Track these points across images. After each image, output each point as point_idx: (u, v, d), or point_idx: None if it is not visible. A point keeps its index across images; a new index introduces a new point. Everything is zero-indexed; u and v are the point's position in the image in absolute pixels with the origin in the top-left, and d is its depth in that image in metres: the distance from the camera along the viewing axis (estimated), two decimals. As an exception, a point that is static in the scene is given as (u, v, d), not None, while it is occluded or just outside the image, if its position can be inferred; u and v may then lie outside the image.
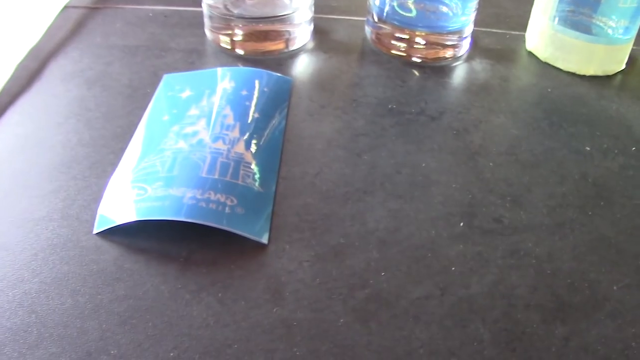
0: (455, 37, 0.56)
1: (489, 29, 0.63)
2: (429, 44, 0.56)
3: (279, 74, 0.52)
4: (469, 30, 0.57)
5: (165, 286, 0.36)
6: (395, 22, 0.55)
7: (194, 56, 0.54)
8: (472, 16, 0.56)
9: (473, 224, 0.40)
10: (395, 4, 0.54)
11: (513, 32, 0.63)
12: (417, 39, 0.56)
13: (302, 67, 0.54)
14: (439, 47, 0.56)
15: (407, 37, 0.55)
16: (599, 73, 0.57)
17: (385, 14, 0.55)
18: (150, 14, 0.60)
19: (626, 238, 0.41)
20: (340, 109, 0.49)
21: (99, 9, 0.61)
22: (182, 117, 0.45)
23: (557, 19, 0.55)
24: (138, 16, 0.60)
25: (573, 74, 0.57)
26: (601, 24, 0.54)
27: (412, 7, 0.53)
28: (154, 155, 0.42)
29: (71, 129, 0.45)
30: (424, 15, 0.54)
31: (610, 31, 0.54)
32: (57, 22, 0.58)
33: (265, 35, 0.54)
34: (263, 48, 0.54)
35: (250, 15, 0.53)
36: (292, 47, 0.56)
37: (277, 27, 0.55)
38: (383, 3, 0.54)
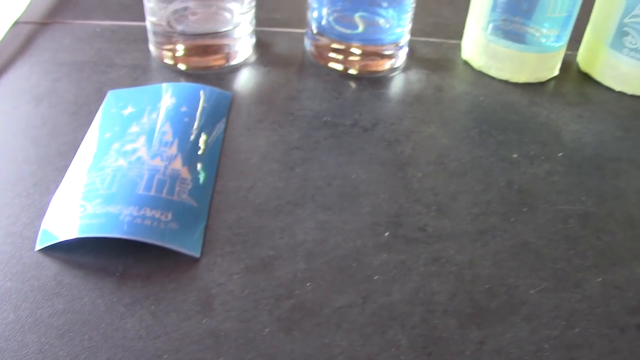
0: (391, 49, 0.58)
1: (427, 39, 0.65)
2: (365, 56, 0.58)
3: (219, 89, 0.53)
4: (405, 41, 0.59)
5: (101, 300, 0.37)
6: (332, 35, 0.56)
7: (139, 72, 0.55)
8: (408, 27, 0.57)
9: (398, 234, 0.42)
10: (331, 18, 0.55)
11: (450, 41, 0.64)
12: (354, 52, 0.57)
13: (243, 81, 0.55)
14: (375, 58, 0.58)
15: (343, 49, 0.57)
16: (532, 80, 0.59)
17: (322, 27, 0.57)
18: (98, 30, 0.62)
19: (546, 243, 0.43)
20: (277, 122, 0.50)
21: (49, 25, 0.62)
22: (123, 135, 0.47)
23: (489, 29, 0.57)
24: (86, 31, 0.61)
25: (506, 82, 0.59)
26: (533, 33, 0.56)
27: (349, 21, 0.55)
28: (95, 173, 0.43)
29: (18, 146, 0.47)
30: (361, 30, 0.55)
31: (542, 39, 0.56)
32: (7, 39, 0.59)
33: (207, 50, 0.56)
34: (205, 63, 0.56)
35: (193, 31, 0.55)
36: (234, 62, 0.57)
37: (218, 42, 0.56)
38: (320, 16, 0.56)
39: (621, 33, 0.57)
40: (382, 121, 0.51)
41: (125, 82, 0.54)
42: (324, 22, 0.56)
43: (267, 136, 0.49)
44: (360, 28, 0.55)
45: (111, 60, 0.57)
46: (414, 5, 0.56)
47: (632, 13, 0.56)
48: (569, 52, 0.62)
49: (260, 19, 0.64)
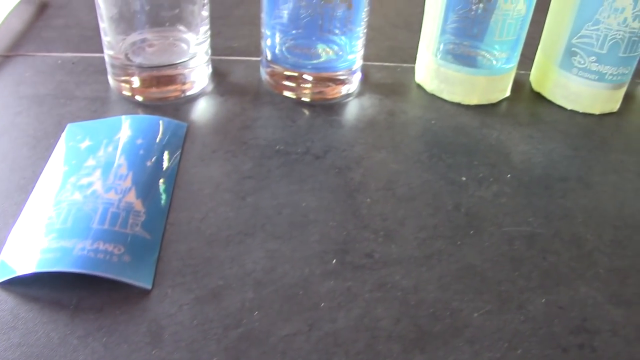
0: (344, 75, 0.59)
1: (381, 63, 0.66)
2: (318, 84, 0.59)
3: (175, 120, 0.54)
4: (357, 67, 0.60)
5: (55, 333, 0.38)
6: (285, 64, 0.58)
7: (97, 104, 0.56)
8: (360, 53, 0.59)
9: (345, 261, 0.43)
10: (284, 47, 0.56)
11: (405, 65, 0.66)
12: (306, 79, 0.58)
13: (199, 111, 0.56)
14: (328, 85, 0.59)
15: (296, 77, 0.58)
16: (484, 102, 0.60)
17: (275, 56, 0.58)
18: (59, 62, 0.63)
19: (491, 265, 0.44)
20: (231, 152, 0.51)
21: (11, 57, 0.63)
22: (79, 168, 0.48)
23: (439, 53, 0.58)
24: (47, 64, 0.62)
25: (458, 104, 0.60)
26: (483, 56, 0.57)
27: (302, 50, 0.56)
28: (52, 207, 0.44)
29: (-23, 181, 0.47)
30: (314, 59, 0.56)
31: (492, 62, 0.57)
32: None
33: (164, 82, 0.57)
34: (161, 94, 0.57)
35: (150, 63, 0.56)
36: (190, 92, 0.58)
37: (175, 72, 0.57)
38: (273, 45, 0.57)
39: (570, 53, 0.59)
40: (333, 148, 0.52)
41: (84, 115, 0.55)
42: (277, 50, 0.57)
43: (220, 166, 0.50)
44: (323, 57, 0.56)
45: (71, 93, 0.58)
46: (365, 31, 0.57)
47: (580, 33, 0.57)
48: (522, 72, 0.64)
49: (218, 48, 0.65)
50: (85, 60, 0.63)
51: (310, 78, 0.58)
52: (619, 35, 0.56)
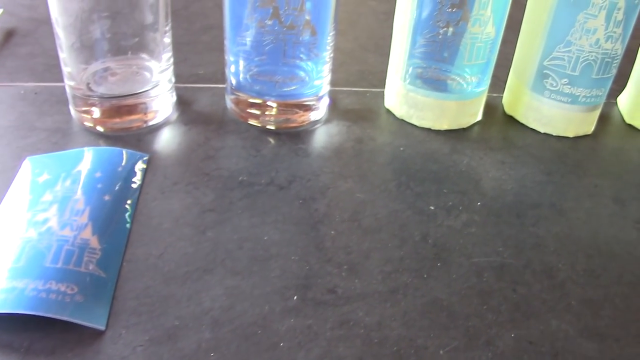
0: (310, 102, 0.58)
1: (350, 88, 0.65)
2: (283, 112, 0.58)
3: (136, 152, 0.53)
4: (324, 93, 0.59)
5: (5, 378, 0.35)
6: (250, 92, 0.56)
7: (58, 135, 0.54)
8: (327, 79, 0.57)
9: (307, 297, 0.41)
10: (248, 75, 0.55)
11: (374, 90, 0.64)
12: (271, 107, 0.57)
13: (161, 142, 0.55)
14: (295, 113, 0.58)
15: (261, 104, 0.57)
16: (454, 127, 0.59)
17: (240, 83, 0.57)
18: (22, 92, 0.61)
19: (459, 299, 0.42)
20: (192, 184, 0.50)
21: (-27, 89, 0.62)
22: (35, 204, 0.46)
23: (408, 78, 0.57)
24: (10, 94, 0.61)
25: (428, 130, 0.59)
26: (453, 80, 0.56)
27: (266, 78, 0.55)
28: (6, 245, 0.43)
29: None
30: (278, 85, 0.55)
31: (463, 86, 0.56)
32: None
33: (126, 111, 0.55)
34: (124, 124, 0.55)
35: (111, 92, 0.54)
36: (153, 122, 0.57)
37: (137, 102, 0.56)
38: (237, 72, 0.55)
39: (542, 75, 0.57)
40: (298, 178, 0.51)
41: (44, 147, 0.53)
42: (241, 77, 0.55)
43: (181, 199, 0.48)
44: (294, 86, 0.55)
45: (32, 124, 0.56)
46: (332, 55, 0.56)
47: (551, 55, 0.56)
48: (495, 95, 0.63)
49: (184, 75, 0.64)
50: (48, 89, 0.61)
51: (275, 105, 0.56)
52: (592, 56, 0.55)
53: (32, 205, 0.47)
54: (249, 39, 0.53)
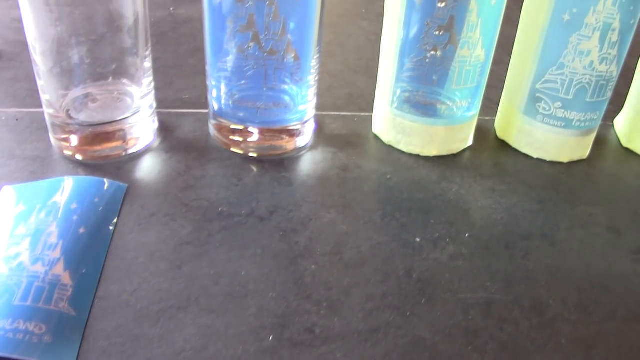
0: (294, 128, 0.56)
1: (338, 113, 0.63)
2: (266, 138, 0.56)
3: (114, 182, 0.51)
4: (310, 117, 0.57)
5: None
6: (231, 118, 0.55)
7: (37, 164, 0.53)
8: (313, 104, 0.56)
9: (283, 337, 0.40)
10: (230, 101, 0.53)
11: (362, 114, 0.63)
12: (254, 133, 0.56)
13: (141, 170, 0.53)
14: (279, 139, 0.57)
15: (244, 131, 0.56)
16: (444, 153, 0.57)
17: (221, 109, 0.55)
18: (3, 118, 0.60)
19: (443, 338, 0.40)
20: (170, 215, 0.48)
21: (-47, 115, 0.60)
22: (8, 237, 0.45)
23: (395, 102, 0.55)
24: (-9, 120, 0.59)
25: (417, 156, 0.57)
26: (441, 105, 0.54)
27: (248, 104, 0.53)
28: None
29: None
30: (260, 111, 0.53)
31: (452, 111, 0.54)
32: None
33: (105, 139, 0.54)
34: (103, 153, 0.54)
35: (91, 120, 0.53)
36: (134, 149, 0.55)
37: (117, 129, 0.54)
38: (219, 98, 0.54)
39: (534, 99, 0.56)
40: (280, 208, 0.49)
41: (22, 176, 0.52)
42: (223, 103, 0.54)
43: (158, 231, 0.46)
44: (277, 112, 0.53)
45: (12, 152, 0.55)
46: (317, 79, 0.54)
47: (544, 78, 0.55)
48: (487, 118, 0.61)
49: (168, 100, 0.62)
50: (29, 116, 0.60)
51: (257, 132, 0.54)
52: (586, 79, 0.53)
53: (6, 239, 0.46)
54: (229, 65, 0.51)
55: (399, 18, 0.52)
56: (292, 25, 0.49)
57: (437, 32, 0.51)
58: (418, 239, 0.48)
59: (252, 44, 0.49)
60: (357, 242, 0.47)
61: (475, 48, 0.52)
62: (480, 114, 0.58)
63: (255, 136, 0.55)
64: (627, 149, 0.62)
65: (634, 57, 0.56)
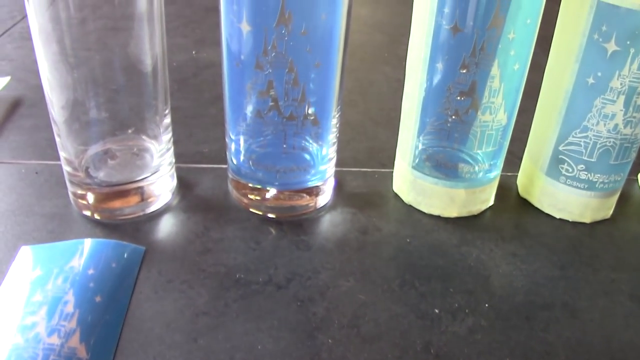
0: (314, 189, 0.56)
1: (358, 169, 0.62)
2: (285, 199, 0.56)
3: (132, 245, 0.51)
4: (330, 175, 0.57)
5: None
6: (250, 179, 0.55)
7: (55, 222, 0.53)
8: (333, 162, 0.56)
9: (298, 418, 0.39)
10: (249, 162, 0.53)
11: (383, 170, 0.62)
12: (272, 194, 0.56)
13: (159, 232, 0.53)
14: (297, 199, 0.56)
15: (262, 191, 0.56)
16: (464, 214, 0.56)
17: (239, 170, 0.55)
18: (23, 171, 0.60)
19: (460, 419, 0.39)
20: (187, 282, 0.48)
21: (-24, 165, 0.60)
22: (25, 304, 0.45)
23: (415, 164, 0.55)
24: (10, 173, 0.60)
25: (437, 217, 0.56)
26: (462, 168, 0.54)
27: (266, 166, 0.54)
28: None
29: None
30: (279, 174, 0.53)
31: (474, 173, 0.54)
32: None
33: (124, 198, 0.53)
34: (121, 212, 0.53)
35: (110, 179, 0.53)
36: (153, 208, 0.55)
37: (136, 188, 0.55)
38: (238, 157, 0.53)
39: (557, 160, 0.55)
40: (297, 276, 0.49)
41: (40, 236, 0.52)
42: (242, 163, 0.54)
43: (175, 299, 0.46)
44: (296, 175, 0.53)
45: (30, 209, 0.55)
46: (337, 136, 0.54)
47: (567, 140, 0.54)
48: (509, 174, 0.60)
49: (187, 154, 0.62)
50: (49, 168, 0.60)
51: (276, 193, 0.55)
52: (610, 142, 0.52)
53: (23, 306, 0.46)
54: (248, 128, 0.51)
55: (420, 81, 0.51)
56: (311, 91, 0.49)
57: (458, 97, 0.50)
58: (437, 310, 0.47)
59: (270, 110, 0.49)
60: (375, 313, 0.46)
61: (497, 112, 0.51)
62: (503, 169, 0.58)
63: (274, 196, 0.55)
64: (651, 206, 0.61)
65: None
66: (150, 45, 0.50)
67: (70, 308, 0.45)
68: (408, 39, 0.52)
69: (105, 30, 0.47)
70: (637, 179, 0.65)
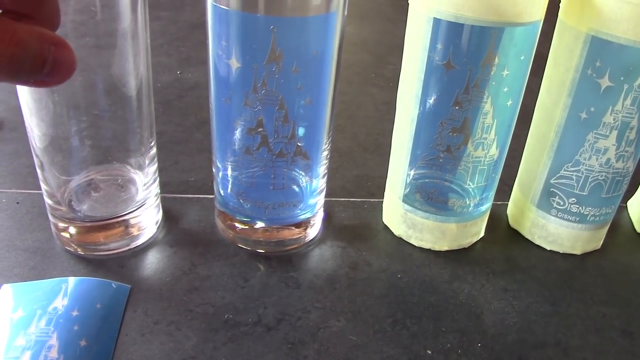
0: (302, 223, 0.55)
1: (347, 199, 0.61)
2: (273, 232, 0.55)
3: (117, 283, 0.50)
4: (319, 208, 0.56)
5: None
6: (238, 214, 0.54)
7: (37, 258, 0.51)
8: (322, 195, 0.55)
9: None
10: (236, 197, 0.52)
11: (372, 200, 0.61)
12: (260, 228, 0.55)
13: (145, 268, 0.51)
14: (285, 231, 0.55)
15: (250, 226, 0.55)
16: (455, 247, 0.56)
17: (227, 204, 0.54)
18: (4, 200, 0.58)
19: None
20: (174, 324, 0.46)
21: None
22: (8, 348, 0.44)
23: (405, 198, 0.54)
24: (-9, 202, 0.58)
25: (428, 251, 0.55)
26: (453, 202, 0.53)
27: (255, 202, 0.53)
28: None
29: None
30: (268, 210, 0.52)
31: (464, 207, 0.54)
32: None
33: (107, 231, 0.52)
34: (105, 247, 0.52)
35: (94, 214, 0.51)
36: (137, 242, 0.53)
37: (120, 221, 0.53)
38: (226, 191, 0.52)
39: (548, 193, 0.54)
40: (287, 315, 0.48)
41: (22, 272, 0.50)
42: (229, 197, 0.53)
43: (161, 343, 0.45)
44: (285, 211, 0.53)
45: (12, 242, 0.53)
46: (327, 168, 0.54)
47: (559, 174, 0.53)
48: (499, 203, 0.59)
49: (173, 183, 0.61)
50: (30, 198, 0.58)
51: (266, 229, 0.54)
52: (601, 176, 0.52)
53: (5, 350, 0.44)
54: (236, 164, 0.50)
55: (412, 116, 0.50)
56: (301, 128, 0.48)
57: (450, 133, 0.49)
58: (429, 351, 0.46)
59: (260, 147, 0.48)
60: (366, 355, 0.46)
61: (489, 148, 0.50)
62: (492, 199, 0.57)
63: (262, 230, 0.54)
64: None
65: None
66: (135, 66, 0.49)
67: (54, 353, 0.44)
68: (394, 59, 0.51)
69: (87, 48, 0.45)
70: (626, 207, 0.64)
